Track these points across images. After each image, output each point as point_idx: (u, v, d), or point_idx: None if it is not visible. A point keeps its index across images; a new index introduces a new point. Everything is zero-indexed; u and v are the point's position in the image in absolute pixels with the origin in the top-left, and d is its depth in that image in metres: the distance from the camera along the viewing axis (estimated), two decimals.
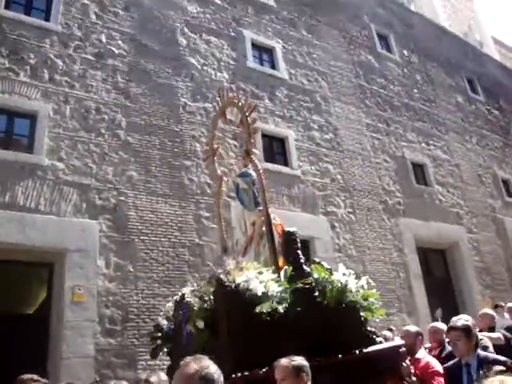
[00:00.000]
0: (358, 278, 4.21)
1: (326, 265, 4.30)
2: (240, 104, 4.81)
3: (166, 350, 4.60)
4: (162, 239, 8.46)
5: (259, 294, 3.63)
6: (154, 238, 8.42)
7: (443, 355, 5.13)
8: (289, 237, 4.40)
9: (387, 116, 13.95)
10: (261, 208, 4.59)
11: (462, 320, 3.96)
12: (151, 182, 8.81)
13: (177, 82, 10.18)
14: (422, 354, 4.73)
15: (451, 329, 3.94)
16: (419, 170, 13.83)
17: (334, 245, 10.88)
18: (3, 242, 7.41)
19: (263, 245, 4.52)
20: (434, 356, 5.07)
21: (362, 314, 4.10)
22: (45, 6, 9.67)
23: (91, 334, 7.58)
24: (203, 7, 11.62)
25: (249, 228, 4.80)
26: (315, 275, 4.04)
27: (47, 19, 9.52)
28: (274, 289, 3.72)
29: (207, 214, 9.19)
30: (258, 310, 3.54)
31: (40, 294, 8.20)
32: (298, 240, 4.42)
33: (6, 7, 9.11)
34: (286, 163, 11.01)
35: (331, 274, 4.14)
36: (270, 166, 10.61)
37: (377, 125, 13.49)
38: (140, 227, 8.38)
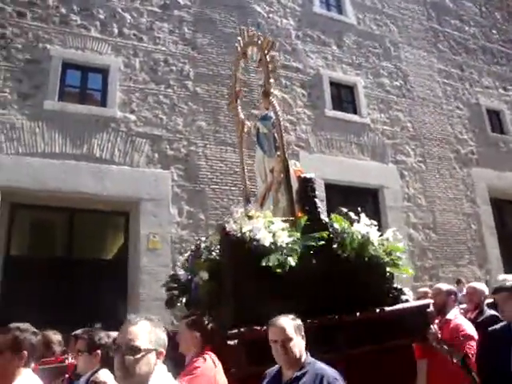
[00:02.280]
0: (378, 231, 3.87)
1: (355, 215, 3.97)
2: (259, 42, 4.46)
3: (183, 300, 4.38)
4: (232, 188, 8.61)
5: (267, 244, 3.38)
6: (224, 187, 8.59)
7: (480, 320, 4.61)
8: (305, 184, 4.05)
9: (461, 60, 13.19)
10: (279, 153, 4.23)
11: (510, 280, 3.56)
12: (220, 131, 8.91)
13: (242, 31, 10.04)
14: (453, 315, 4.25)
15: (499, 289, 3.46)
16: (495, 117, 13.06)
17: (403, 194, 10.66)
18: (82, 191, 7.83)
19: (282, 193, 4.20)
20: (469, 319, 4.58)
21: (387, 269, 3.82)
22: None
23: (165, 278, 7.93)
24: None
25: (268, 175, 4.49)
26: (335, 225, 3.76)
27: None
28: (284, 239, 3.45)
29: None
30: (264, 263, 3.28)
31: (117, 242, 8.66)
32: (316, 187, 4.11)
33: None
34: (354, 111, 10.77)
35: (351, 224, 3.83)
36: (338, 114, 10.45)
37: (450, 70, 12.81)
38: (210, 176, 8.56)
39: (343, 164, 10.08)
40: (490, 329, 3.67)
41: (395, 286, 3.88)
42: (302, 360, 2.65)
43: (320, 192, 9.51)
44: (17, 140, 7.73)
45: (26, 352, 2.76)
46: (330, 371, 2.59)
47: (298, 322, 2.73)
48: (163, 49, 9.21)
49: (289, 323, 2.70)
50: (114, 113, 8.42)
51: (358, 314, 3.46)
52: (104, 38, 8.85)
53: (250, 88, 9.45)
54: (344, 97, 10.91)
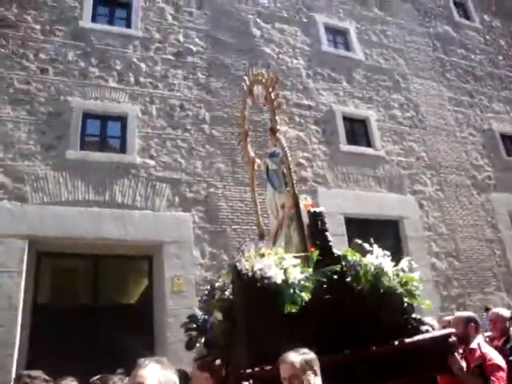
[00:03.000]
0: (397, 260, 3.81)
1: (370, 247, 3.89)
2: (263, 80, 4.46)
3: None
4: (253, 227, 8.62)
5: (278, 281, 3.33)
6: (245, 227, 8.66)
7: (508, 347, 4.50)
8: (315, 218, 3.98)
9: (470, 88, 13.35)
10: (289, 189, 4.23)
11: None
12: (238, 172, 9.05)
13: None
14: (477, 344, 4.05)
15: None
16: (509, 141, 13.12)
17: (423, 224, 10.63)
18: (106, 237, 7.95)
19: (293, 228, 4.13)
20: (495, 347, 4.43)
21: (405, 300, 3.70)
22: (125, 15, 10.18)
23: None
24: None
25: (280, 211, 4.46)
26: (347, 258, 3.70)
27: (128, 26, 10.03)
28: (296, 276, 3.40)
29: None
30: (276, 305, 3.26)
31: (141, 286, 8.70)
32: (326, 221, 4.01)
33: (93, 20, 9.69)
34: (369, 144, 10.89)
35: (364, 256, 3.76)
36: (352, 148, 10.57)
37: (459, 98, 12.96)
38: (231, 217, 8.65)
39: (361, 197, 10.13)
40: None
41: (414, 316, 3.74)
42: None
43: (340, 226, 9.61)
44: (41, 190, 7.93)
45: None
46: None
47: (309, 356, 2.64)
48: (178, 94, 9.49)
49: (296, 359, 2.62)
50: (133, 159, 8.62)
51: (375, 347, 3.34)
52: (121, 88, 9.15)
53: (265, 128, 9.61)
54: (357, 131, 11.06)
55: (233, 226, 8.62)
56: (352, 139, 10.79)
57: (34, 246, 7.67)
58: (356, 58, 11.90)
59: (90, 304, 8.15)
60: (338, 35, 12.13)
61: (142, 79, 9.36)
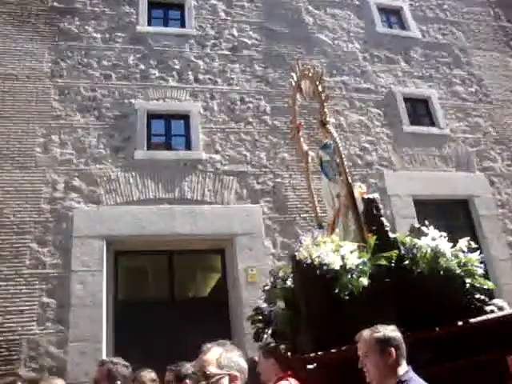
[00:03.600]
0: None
1: (427, 229, 3.89)
2: (310, 74, 4.60)
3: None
4: (322, 214, 8.61)
5: (336, 268, 3.40)
6: (314, 215, 8.60)
7: None
8: (370, 204, 4.07)
9: None
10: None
11: None
12: (303, 160, 8.99)
13: (311, 61, 10.22)
14: None
15: None
16: None
17: (495, 201, 10.23)
18: (178, 233, 8.14)
19: (349, 216, 4.24)
20: None
21: (468, 280, 3.65)
22: (179, 15, 10.37)
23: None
24: None
25: (335, 201, 4.56)
26: (404, 242, 3.74)
27: (183, 26, 10.22)
28: (354, 261, 3.46)
29: (362, 185, 9.19)
30: (337, 289, 3.30)
31: (215, 279, 8.85)
32: (381, 206, 4.09)
33: (149, 24, 9.93)
34: (432, 123, 10.58)
35: (419, 239, 3.77)
36: (415, 128, 10.31)
37: None
38: (299, 205, 8.64)
39: (429, 178, 9.86)
40: None
41: (478, 297, 3.68)
42: (399, 375, 2.49)
43: (409, 208, 9.41)
44: (114, 191, 8.21)
45: (119, 382, 3.10)
46: None
47: (381, 333, 2.57)
48: (238, 88, 9.57)
49: (366, 336, 2.59)
50: (199, 155, 8.77)
51: (438, 328, 3.31)
52: (182, 86, 9.33)
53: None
54: (420, 111, 10.77)
55: (302, 215, 8.61)
56: (415, 120, 10.52)
57: (111, 247, 7.97)
58: (412, 36, 11.59)
59: (167, 298, 8.38)
60: (391, 15, 11.85)
61: (200, 76, 9.51)
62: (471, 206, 10.01)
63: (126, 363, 3.43)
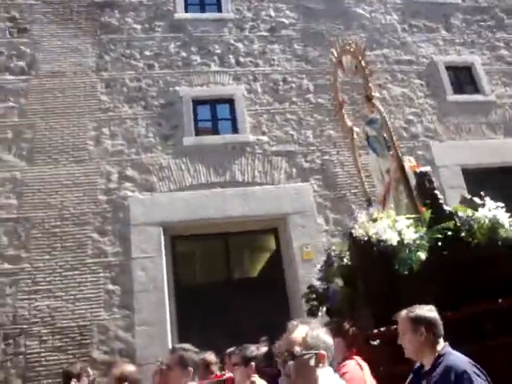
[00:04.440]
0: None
1: (479, 200, 3.91)
2: (351, 50, 4.62)
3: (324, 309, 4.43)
4: (372, 189, 8.61)
5: (394, 243, 3.41)
6: (362, 191, 8.61)
7: None
8: (422, 178, 4.08)
9: None
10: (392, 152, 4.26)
11: None
12: (349, 137, 8.99)
13: (349, 36, 10.12)
14: None
15: None
16: None
17: None
18: (232, 215, 8.27)
19: (401, 190, 4.24)
20: None
21: None
22: (215, 0, 10.40)
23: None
24: None
25: (385, 176, 4.56)
26: (459, 214, 3.73)
27: (220, 10, 10.24)
28: (411, 236, 3.48)
29: (411, 159, 9.14)
30: (396, 265, 3.34)
31: (271, 257, 8.98)
32: (433, 179, 4.10)
33: (186, 10, 10.01)
34: (477, 91, 10.38)
35: (476, 210, 3.78)
36: (459, 97, 10.16)
37: None
38: (349, 181, 8.65)
39: (477, 147, 9.71)
40: None
41: None
42: (438, 351, 2.58)
43: (458, 179, 9.31)
44: (167, 178, 8.39)
45: (191, 368, 3.13)
46: (460, 363, 2.47)
47: (414, 313, 2.66)
48: (279, 69, 9.59)
49: (404, 315, 2.69)
50: (246, 138, 8.86)
51: (501, 300, 3.34)
52: (224, 71, 9.42)
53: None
54: (463, 79, 10.57)
55: (352, 191, 8.62)
56: (459, 88, 10.34)
57: (167, 232, 8.17)
58: (451, 1, 11.32)
59: (225, 280, 8.56)
60: None
61: (241, 59, 9.57)
62: None
63: (196, 349, 3.46)
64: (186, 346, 3.60)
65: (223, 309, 8.01)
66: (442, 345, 2.63)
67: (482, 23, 11.20)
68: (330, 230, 8.35)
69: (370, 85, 4.47)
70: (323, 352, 1.89)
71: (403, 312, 2.72)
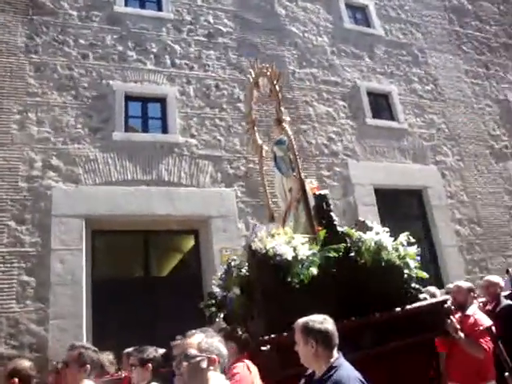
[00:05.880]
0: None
1: (371, 223, 4.25)
2: (268, 73, 4.79)
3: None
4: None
5: (289, 258, 3.66)
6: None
7: (498, 310, 4.98)
8: (320, 200, 4.34)
9: (486, 59, 13.69)
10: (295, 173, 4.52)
11: None
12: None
13: (283, 52, 10.69)
14: (472, 311, 4.54)
15: None
16: None
17: (446, 192, 11.10)
18: (156, 214, 8.39)
19: (301, 210, 4.48)
20: (487, 311, 4.93)
21: (405, 271, 4.06)
22: None
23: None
24: None
25: (288, 195, 4.83)
26: (350, 236, 4.04)
27: (160, 9, 10.30)
28: (304, 253, 3.73)
29: (328, 173, 9.77)
30: (289, 278, 3.60)
31: (189, 258, 9.19)
32: (331, 202, 4.40)
33: (126, 4, 9.97)
34: (392, 118, 11.28)
35: (365, 232, 4.09)
36: (378, 122, 10.98)
37: (476, 70, 13.31)
38: (271, 190, 9.03)
39: (388, 169, 10.58)
40: None
41: (413, 286, 4.08)
42: (330, 362, 2.69)
43: (370, 196, 10.08)
44: (93, 171, 8.33)
45: (88, 366, 3.31)
46: (348, 380, 2.57)
47: (306, 325, 2.77)
48: (213, 75, 9.84)
49: (297, 326, 2.81)
50: (176, 139, 9.01)
51: (379, 314, 3.70)
52: (159, 70, 9.49)
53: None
54: (381, 105, 11.44)
55: (273, 199, 9.01)
56: (377, 113, 11.18)
57: (89, 225, 8.11)
58: (376, 33, 12.21)
59: (143, 277, 8.66)
60: (358, 11, 12.41)
61: (177, 61, 9.70)
62: (425, 196, 10.84)
63: (96, 349, 3.59)
64: (86, 344, 3.75)
65: (139, 305, 8.10)
66: (335, 356, 2.72)
67: (400, 57, 12.19)
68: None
69: (282, 109, 4.67)
70: (215, 356, 2.17)
71: (298, 322, 2.83)
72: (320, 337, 2.70)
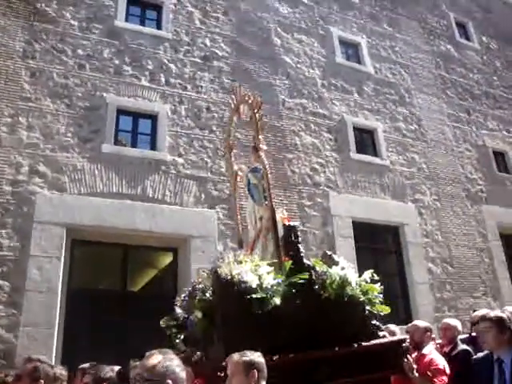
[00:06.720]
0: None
1: (338, 258, 4.32)
2: (249, 101, 4.77)
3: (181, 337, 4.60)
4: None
5: (253, 286, 3.68)
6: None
7: (453, 354, 5.01)
8: (289, 231, 4.34)
9: (468, 105, 14.21)
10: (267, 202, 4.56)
11: (496, 311, 4.02)
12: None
13: (275, 80, 10.97)
14: (429, 350, 4.65)
15: (481, 319, 3.97)
16: (500, 157, 14.01)
17: (422, 231, 11.39)
18: (138, 229, 8.47)
19: (269, 239, 4.47)
20: (444, 353, 4.98)
21: (368, 308, 4.12)
22: (156, 16, 10.67)
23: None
24: (293, 7, 12.33)
25: (258, 222, 4.79)
26: (316, 268, 4.09)
27: (159, 27, 10.53)
28: (269, 281, 3.74)
29: (309, 203, 9.99)
30: (248, 296, 3.61)
31: (167, 276, 9.24)
32: (299, 234, 4.41)
33: (126, 20, 10.17)
34: (376, 154, 11.60)
35: (331, 266, 4.14)
36: (362, 156, 11.28)
37: (458, 114, 13.80)
38: (243, 215, 9.19)
39: (368, 203, 10.85)
40: (474, 357, 4.26)
41: (374, 322, 4.13)
42: None
43: (348, 229, 10.32)
44: (78, 181, 8.40)
45: (42, 381, 3.23)
46: None
47: (248, 358, 2.91)
48: (205, 97, 10.04)
49: (237, 359, 2.93)
50: (164, 156, 9.14)
51: (336, 348, 3.72)
52: (153, 87, 9.66)
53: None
54: (366, 141, 11.77)
55: (244, 224, 9.17)
56: (361, 148, 11.48)
57: (70, 234, 8.14)
58: (366, 71, 12.60)
59: (119, 291, 8.68)
60: (350, 48, 12.81)
61: (172, 80, 9.89)
62: (401, 233, 11.11)
63: (52, 363, 3.54)
64: (43, 358, 3.60)
65: (114, 319, 8.13)
66: None
67: (388, 96, 12.59)
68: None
69: (260, 137, 4.65)
70: (169, 381, 2.11)
71: (235, 356, 2.94)
72: (259, 369, 2.90)
